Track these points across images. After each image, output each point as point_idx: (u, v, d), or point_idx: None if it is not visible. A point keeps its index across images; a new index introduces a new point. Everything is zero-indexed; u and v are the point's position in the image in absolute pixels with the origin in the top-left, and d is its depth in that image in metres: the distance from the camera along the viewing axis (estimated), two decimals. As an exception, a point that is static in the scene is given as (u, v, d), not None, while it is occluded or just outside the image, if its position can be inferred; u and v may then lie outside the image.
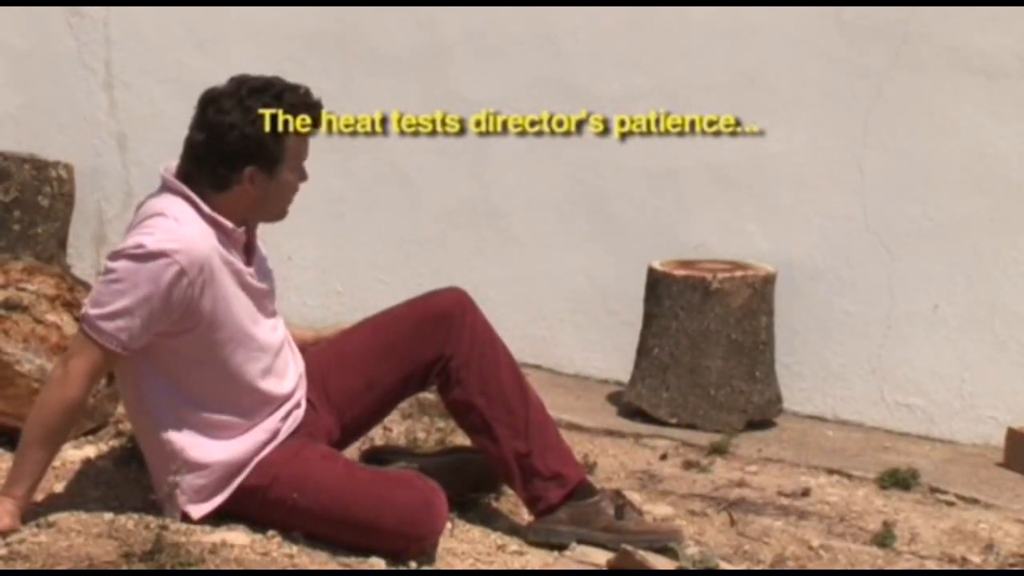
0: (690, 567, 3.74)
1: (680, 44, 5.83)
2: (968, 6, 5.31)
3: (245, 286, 3.35)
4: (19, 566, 3.18)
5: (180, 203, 3.25)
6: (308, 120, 3.40)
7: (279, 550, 3.29)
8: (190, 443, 3.39)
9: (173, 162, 3.35)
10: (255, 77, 3.48)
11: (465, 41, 6.06)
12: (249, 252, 3.39)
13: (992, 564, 4.10)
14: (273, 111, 3.37)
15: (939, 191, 5.53)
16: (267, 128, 3.34)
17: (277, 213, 3.45)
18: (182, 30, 6.60)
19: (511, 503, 3.96)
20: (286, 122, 3.38)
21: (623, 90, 5.84)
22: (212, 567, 3.18)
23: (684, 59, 5.83)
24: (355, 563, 3.38)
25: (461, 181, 6.01)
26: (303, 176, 3.43)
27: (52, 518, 3.31)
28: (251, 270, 3.39)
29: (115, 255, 3.18)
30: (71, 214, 6.53)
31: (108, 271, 3.24)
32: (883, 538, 4.08)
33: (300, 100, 3.42)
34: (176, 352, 3.35)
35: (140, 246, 3.12)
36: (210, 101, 3.34)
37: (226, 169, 3.30)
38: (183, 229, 3.21)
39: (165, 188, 3.33)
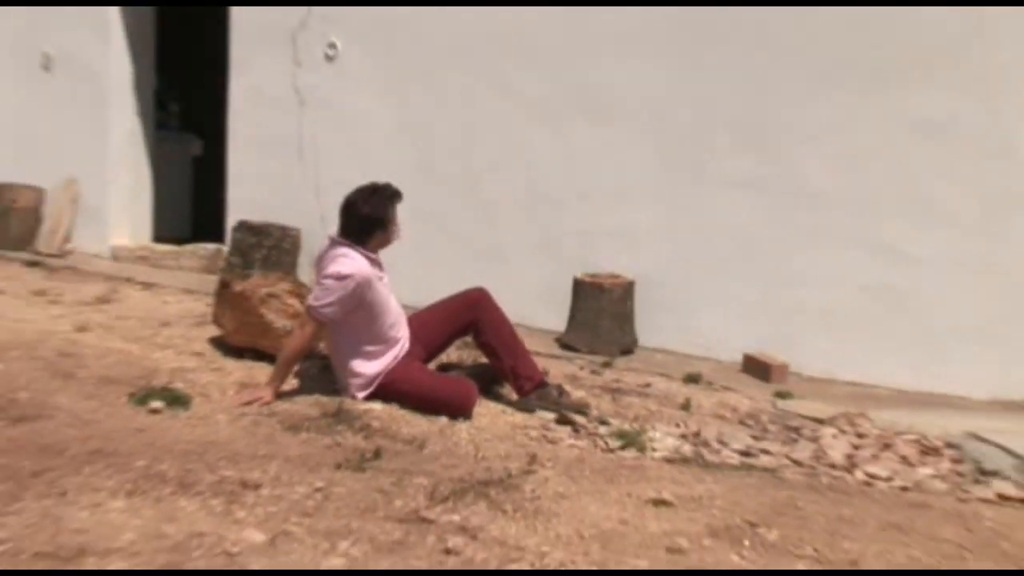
0: (590, 420, 5.20)
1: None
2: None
3: (381, 285, 5.26)
4: (269, 420, 4.63)
5: (350, 249, 5.15)
6: (397, 202, 5.35)
7: (396, 411, 5.05)
8: (356, 362, 5.24)
9: (334, 229, 5.39)
10: (370, 184, 5.32)
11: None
12: (380, 267, 5.33)
13: (731, 418, 5.46)
14: (385, 203, 5.29)
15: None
16: (384, 213, 5.27)
17: (387, 247, 5.39)
18: (358, 163, 8.38)
19: (506, 390, 5.63)
20: (390, 207, 5.33)
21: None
22: (366, 421, 4.76)
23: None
24: (425, 420, 4.94)
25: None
26: (398, 224, 5.36)
27: (289, 397, 5.18)
28: (383, 276, 5.34)
29: (326, 276, 5.10)
30: (298, 254, 8.48)
31: (322, 282, 5.12)
32: (686, 406, 5.57)
33: (395, 192, 5.29)
34: (351, 320, 5.13)
35: (338, 271, 5.04)
36: (353, 200, 5.30)
37: (367, 232, 5.26)
38: (355, 262, 5.10)
39: (338, 244, 5.24)
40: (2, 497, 3.14)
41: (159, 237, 10.52)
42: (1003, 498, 4.29)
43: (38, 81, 10.59)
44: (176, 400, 4.93)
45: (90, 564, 2.63)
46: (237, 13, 9.19)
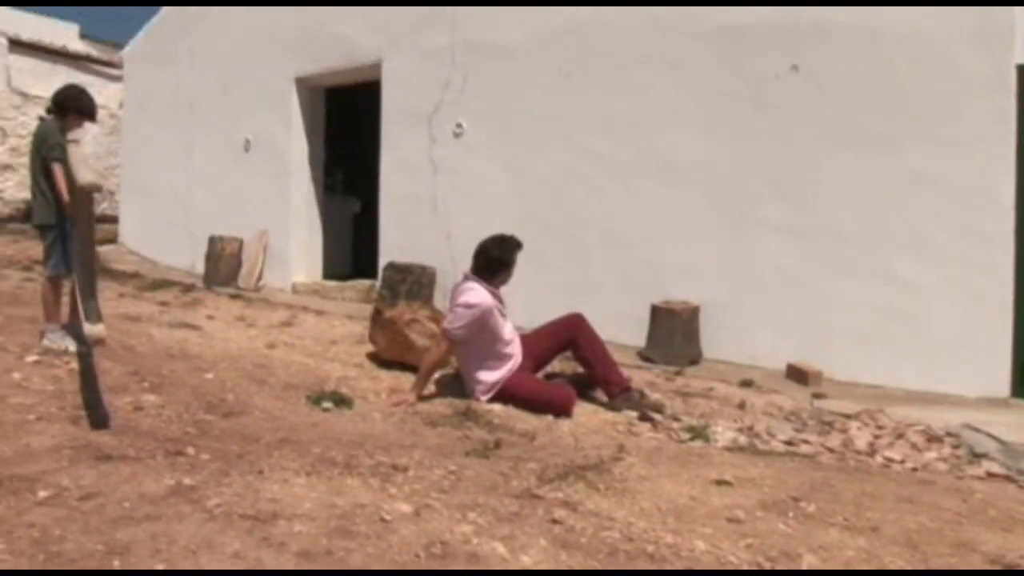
0: (669, 415, 5.23)
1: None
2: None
3: (500, 313, 5.36)
4: (414, 418, 4.81)
5: (478, 285, 5.35)
6: (519, 251, 5.45)
7: (512, 411, 5.08)
8: (480, 372, 5.32)
9: (462, 267, 5.51)
10: (499, 235, 5.50)
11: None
12: (500, 300, 5.42)
13: (777, 415, 5.42)
14: (511, 250, 5.43)
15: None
16: (508, 257, 5.42)
17: (506, 284, 5.47)
18: (478, 216, 8.51)
19: (598, 394, 5.60)
20: (513, 254, 5.44)
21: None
22: (489, 418, 4.81)
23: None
24: (535, 418, 4.96)
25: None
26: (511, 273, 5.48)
27: (428, 400, 5.30)
28: (502, 306, 5.42)
29: (457, 305, 5.22)
30: (434, 287, 8.55)
31: (454, 310, 5.25)
32: (742, 406, 5.51)
33: (518, 243, 5.49)
34: (476, 339, 5.24)
35: (467, 301, 5.18)
36: (486, 246, 5.42)
37: (494, 271, 5.37)
38: (481, 294, 5.22)
39: (467, 279, 5.37)
40: (216, 472, 3.19)
41: (327, 275, 10.80)
42: (990, 475, 4.32)
43: (240, 159, 11.12)
44: (342, 401, 5.00)
45: (281, 525, 2.65)
46: (387, 101, 9.38)
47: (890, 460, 4.53)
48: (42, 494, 2.85)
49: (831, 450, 4.69)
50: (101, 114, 16.30)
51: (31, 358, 5.14)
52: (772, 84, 6.67)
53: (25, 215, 13.77)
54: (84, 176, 4.22)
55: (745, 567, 2.76)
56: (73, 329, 5.68)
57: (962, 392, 5.93)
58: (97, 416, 3.87)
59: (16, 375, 4.79)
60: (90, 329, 3.94)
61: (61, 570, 2.40)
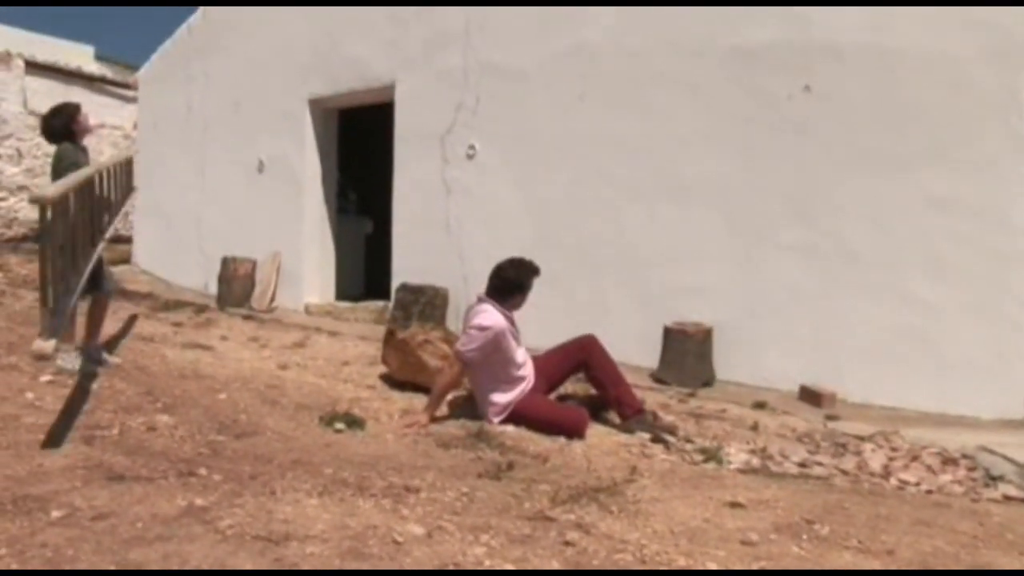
0: (682, 436, 5.15)
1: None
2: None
3: (513, 335, 5.31)
4: (426, 439, 4.79)
5: (492, 307, 5.30)
6: (536, 276, 5.41)
7: (524, 433, 5.04)
8: (492, 394, 5.26)
9: (481, 289, 5.43)
10: (517, 257, 5.45)
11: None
12: (512, 323, 5.37)
13: (791, 437, 5.31)
14: (526, 274, 5.39)
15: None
16: (523, 280, 5.37)
17: (519, 308, 5.44)
18: (491, 237, 8.55)
19: (611, 415, 5.51)
20: (529, 278, 5.39)
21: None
22: (501, 440, 4.76)
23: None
24: (548, 440, 4.93)
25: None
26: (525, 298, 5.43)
27: (441, 421, 5.28)
28: (515, 329, 5.38)
29: (471, 327, 5.15)
30: (447, 308, 8.49)
31: (467, 332, 5.18)
32: (755, 428, 5.46)
33: (536, 267, 5.44)
34: (489, 361, 5.18)
35: (480, 323, 5.13)
36: (503, 267, 5.38)
37: (508, 294, 5.31)
38: (494, 316, 5.18)
39: (481, 301, 5.32)
40: (229, 493, 3.21)
41: (340, 296, 10.83)
42: (1007, 498, 4.26)
43: (254, 180, 11.20)
44: (354, 422, 4.99)
45: (293, 547, 2.65)
46: (400, 122, 9.43)
47: (905, 482, 4.48)
48: (55, 514, 2.87)
49: (845, 472, 4.64)
50: (115, 135, 16.62)
51: (45, 378, 5.20)
52: (785, 105, 6.65)
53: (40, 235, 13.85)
54: (44, 190, 4.18)
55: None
56: (88, 351, 5.81)
57: (978, 414, 5.87)
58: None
59: (29, 395, 4.84)
60: (38, 344, 3.81)
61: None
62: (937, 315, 6.08)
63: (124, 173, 6.72)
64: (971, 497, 4.28)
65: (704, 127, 7.06)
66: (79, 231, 4.77)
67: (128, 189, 7.05)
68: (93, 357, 5.78)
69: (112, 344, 6.70)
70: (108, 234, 5.78)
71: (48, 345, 3.81)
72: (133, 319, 8.54)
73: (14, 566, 2.46)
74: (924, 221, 6.12)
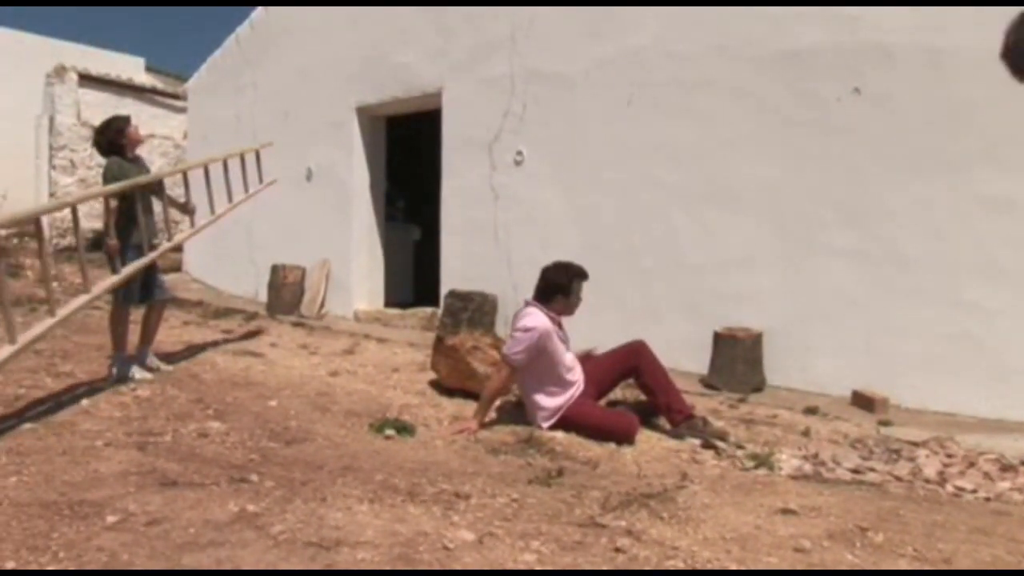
0: (733, 442, 5.11)
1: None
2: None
3: (561, 338, 5.33)
4: (476, 445, 4.82)
5: (536, 310, 5.34)
6: (582, 280, 5.45)
7: (574, 438, 5.04)
8: (541, 399, 5.28)
9: (528, 293, 5.50)
10: (565, 261, 5.50)
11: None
12: (560, 326, 5.39)
13: (843, 443, 5.21)
14: (569, 276, 5.41)
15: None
16: (564, 282, 5.40)
17: (570, 313, 5.47)
18: (540, 244, 8.57)
19: (661, 421, 5.51)
20: (573, 281, 5.43)
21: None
22: (551, 446, 4.79)
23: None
24: (598, 445, 4.95)
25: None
26: (580, 299, 5.48)
27: (490, 427, 5.28)
28: (562, 333, 5.40)
29: (516, 329, 5.24)
30: (495, 314, 8.58)
31: (513, 335, 5.26)
32: (807, 433, 5.41)
33: (581, 270, 5.48)
34: (536, 365, 5.21)
35: (524, 325, 5.19)
36: (547, 269, 5.42)
37: (551, 295, 5.34)
38: (538, 318, 5.21)
39: (528, 304, 5.38)
40: (280, 499, 3.25)
41: (389, 303, 10.89)
42: None
43: (303, 189, 11.30)
44: (404, 429, 5.03)
45: (344, 553, 2.68)
46: (447, 129, 9.48)
47: (961, 489, 4.40)
48: (110, 519, 2.94)
49: (899, 479, 4.58)
50: (166, 145, 16.89)
51: (99, 385, 5.31)
52: (835, 108, 6.60)
53: (93, 244, 14.06)
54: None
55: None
56: (141, 358, 5.94)
57: (1034, 420, 5.81)
58: None
59: (85, 402, 4.98)
60: None
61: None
62: (993, 320, 5.99)
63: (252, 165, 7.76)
64: (1032, 505, 4.20)
65: (753, 131, 7.02)
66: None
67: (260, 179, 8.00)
68: (146, 364, 5.91)
69: (165, 352, 6.82)
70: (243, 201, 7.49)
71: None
72: (185, 327, 8.67)
73: (72, 569, 2.51)
74: (978, 224, 6.03)
